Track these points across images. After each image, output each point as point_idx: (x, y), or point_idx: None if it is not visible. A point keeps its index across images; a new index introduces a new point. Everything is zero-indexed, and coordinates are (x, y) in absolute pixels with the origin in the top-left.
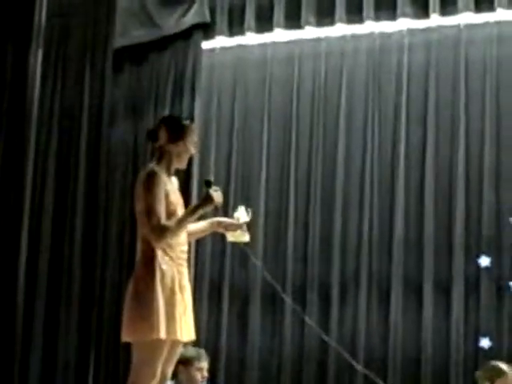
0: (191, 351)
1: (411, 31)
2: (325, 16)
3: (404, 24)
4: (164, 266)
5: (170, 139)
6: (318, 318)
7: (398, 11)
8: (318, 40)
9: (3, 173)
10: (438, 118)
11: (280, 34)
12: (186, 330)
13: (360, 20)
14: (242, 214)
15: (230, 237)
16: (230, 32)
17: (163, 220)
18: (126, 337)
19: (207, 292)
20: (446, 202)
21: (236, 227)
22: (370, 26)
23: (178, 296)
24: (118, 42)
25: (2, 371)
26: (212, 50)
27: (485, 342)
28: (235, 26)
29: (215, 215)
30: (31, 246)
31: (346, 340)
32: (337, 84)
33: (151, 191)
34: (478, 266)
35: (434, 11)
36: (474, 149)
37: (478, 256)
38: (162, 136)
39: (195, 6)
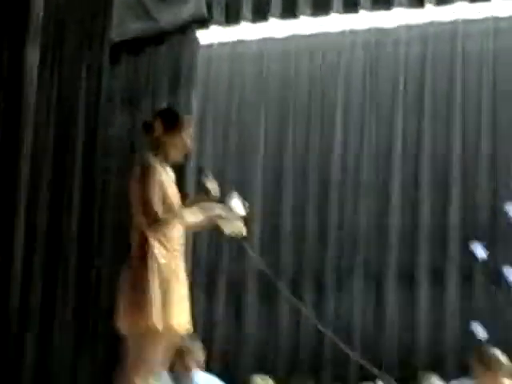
0: (187, 343)
1: (408, 25)
2: (321, 6)
3: (400, 18)
4: (160, 257)
5: (166, 130)
6: (313, 308)
7: (394, 0)
8: (314, 34)
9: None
10: (435, 112)
11: (276, 26)
12: (182, 320)
13: (355, 10)
14: (238, 206)
15: (227, 230)
16: (227, 26)
17: (160, 212)
18: (121, 327)
19: (203, 283)
20: (441, 193)
21: (233, 219)
22: (366, 17)
23: (174, 287)
24: (115, 35)
25: None
26: (210, 46)
27: (479, 330)
28: (232, 20)
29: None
30: (27, 238)
31: (342, 329)
32: (333, 78)
33: (147, 183)
34: (472, 255)
35: (430, 1)
36: (470, 142)
37: (472, 245)
38: (158, 127)
39: (192, 0)
